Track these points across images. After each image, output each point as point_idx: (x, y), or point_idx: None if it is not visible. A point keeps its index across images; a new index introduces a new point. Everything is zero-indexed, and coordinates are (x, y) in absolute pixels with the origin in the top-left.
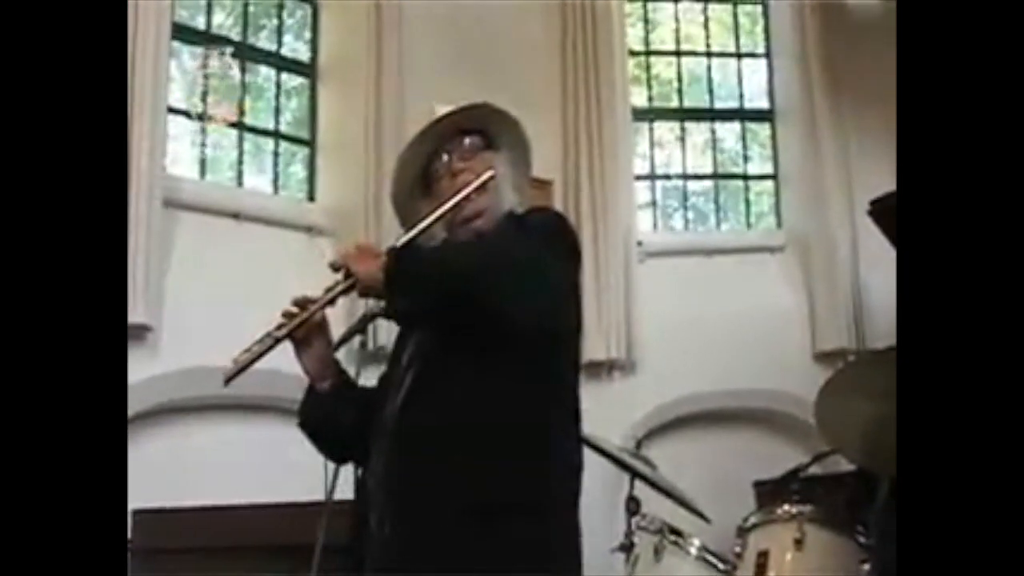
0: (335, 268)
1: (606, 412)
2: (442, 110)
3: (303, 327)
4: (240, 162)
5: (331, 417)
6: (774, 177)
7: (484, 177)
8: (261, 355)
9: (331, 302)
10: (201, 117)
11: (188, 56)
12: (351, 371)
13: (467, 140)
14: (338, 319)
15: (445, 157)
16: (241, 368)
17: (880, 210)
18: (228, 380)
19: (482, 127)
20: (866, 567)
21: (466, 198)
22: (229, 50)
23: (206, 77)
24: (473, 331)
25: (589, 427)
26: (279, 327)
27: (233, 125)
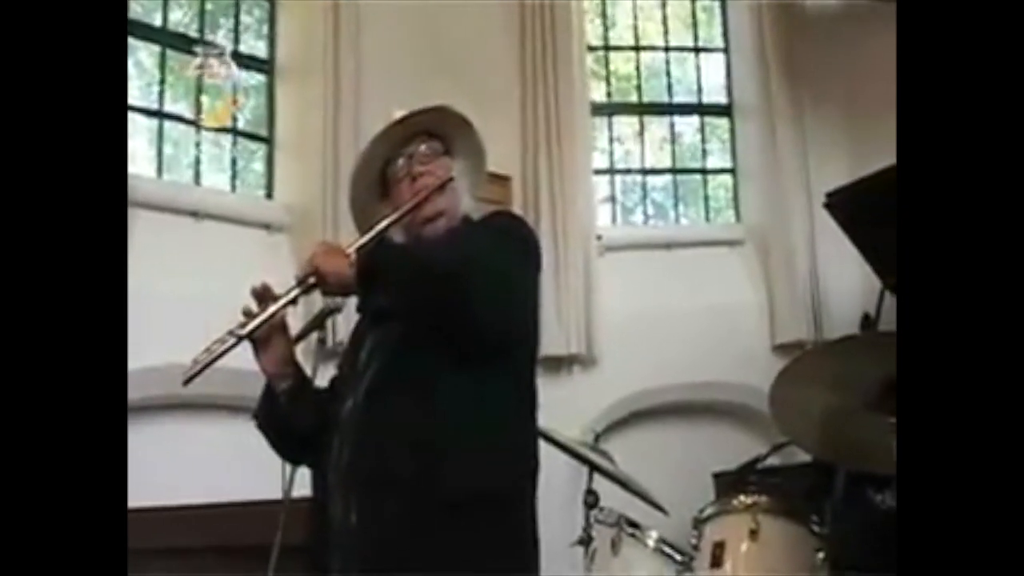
0: (302, 280)
1: (566, 406)
2: (398, 113)
3: (264, 327)
4: (198, 160)
5: (289, 418)
6: (732, 171)
7: (445, 179)
8: (221, 355)
9: (293, 301)
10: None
11: (145, 53)
12: (309, 367)
13: (424, 145)
14: (295, 315)
15: (402, 160)
16: (201, 368)
17: (836, 203)
18: (187, 380)
19: (440, 132)
20: (821, 556)
21: (426, 199)
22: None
23: (162, 78)
24: (445, 330)
25: (549, 422)
26: (240, 326)
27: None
